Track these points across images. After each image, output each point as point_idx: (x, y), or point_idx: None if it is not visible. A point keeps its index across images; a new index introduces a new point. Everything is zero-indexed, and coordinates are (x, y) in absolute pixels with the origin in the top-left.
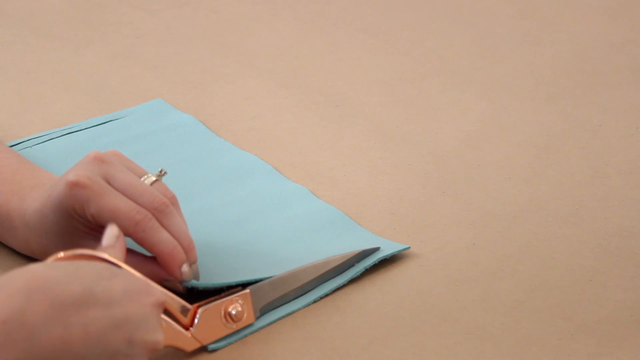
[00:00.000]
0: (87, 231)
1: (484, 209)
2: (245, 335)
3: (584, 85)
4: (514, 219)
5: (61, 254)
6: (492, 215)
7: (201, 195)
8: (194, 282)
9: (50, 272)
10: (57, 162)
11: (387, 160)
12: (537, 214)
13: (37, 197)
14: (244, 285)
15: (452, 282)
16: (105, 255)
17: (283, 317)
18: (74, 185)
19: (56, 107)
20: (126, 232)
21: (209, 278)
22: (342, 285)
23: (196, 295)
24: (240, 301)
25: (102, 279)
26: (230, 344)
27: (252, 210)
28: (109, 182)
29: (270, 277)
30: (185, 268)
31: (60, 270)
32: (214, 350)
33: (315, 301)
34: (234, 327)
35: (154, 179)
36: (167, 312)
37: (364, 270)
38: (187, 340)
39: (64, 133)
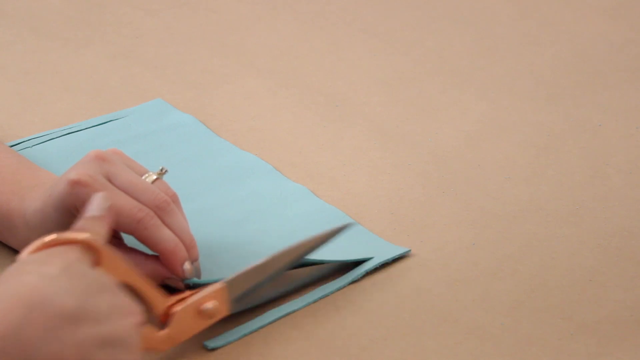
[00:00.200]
0: None
1: (484, 209)
2: (245, 335)
3: (584, 85)
4: (514, 219)
5: (46, 239)
6: (492, 215)
7: (201, 195)
8: (195, 280)
9: (44, 287)
10: (57, 162)
11: (387, 160)
12: (537, 214)
13: (38, 196)
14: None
15: (452, 282)
16: (92, 241)
17: (282, 316)
18: (76, 184)
19: (56, 107)
20: (128, 230)
21: (209, 277)
22: (342, 287)
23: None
24: (214, 296)
25: (90, 295)
26: (229, 343)
27: (252, 210)
28: (110, 181)
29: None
30: (187, 265)
31: (53, 284)
32: (213, 349)
33: (314, 301)
34: (209, 322)
35: (155, 177)
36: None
37: (364, 273)
38: (162, 340)
39: (64, 133)
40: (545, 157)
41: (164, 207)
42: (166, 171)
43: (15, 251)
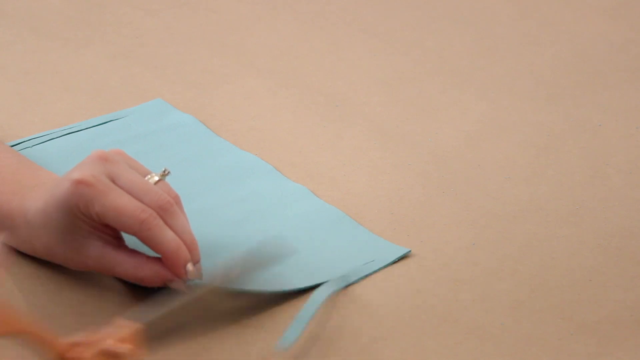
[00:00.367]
0: (91, 230)
1: (484, 209)
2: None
3: (584, 85)
4: (514, 219)
5: None
6: (492, 215)
7: (201, 195)
8: (198, 282)
9: None
10: (57, 162)
11: (387, 160)
12: (537, 214)
13: (39, 196)
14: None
15: (452, 282)
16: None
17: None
18: (79, 184)
19: (56, 107)
20: (131, 230)
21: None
22: (340, 288)
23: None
24: (125, 336)
25: None
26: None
27: (252, 210)
28: (113, 181)
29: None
30: (189, 267)
31: None
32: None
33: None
34: None
35: (157, 178)
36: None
37: (364, 277)
38: None
39: (65, 133)
40: (545, 157)
41: (167, 208)
42: (168, 172)
43: (16, 250)
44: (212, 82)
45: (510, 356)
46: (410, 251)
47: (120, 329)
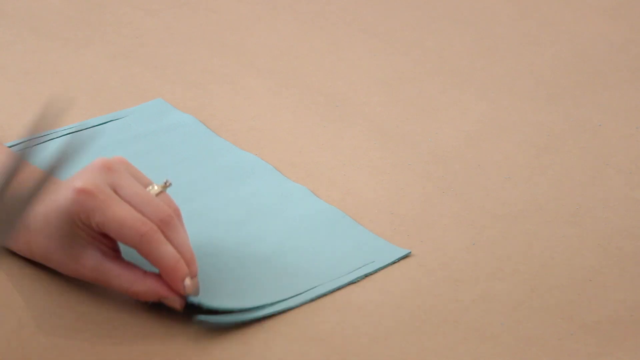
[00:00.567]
0: (89, 239)
1: (484, 209)
2: (237, 322)
3: (584, 85)
4: (514, 219)
5: None
6: (492, 215)
7: (202, 196)
8: (193, 299)
9: None
10: None
11: (387, 160)
12: (537, 214)
13: (39, 200)
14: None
15: (452, 282)
16: None
17: (279, 312)
18: (81, 193)
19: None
20: (131, 243)
21: (208, 286)
22: (339, 287)
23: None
24: None
25: None
26: (220, 324)
27: (253, 210)
28: (115, 191)
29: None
30: (187, 282)
31: None
32: (201, 322)
33: (312, 300)
34: None
35: (158, 190)
36: None
37: (364, 276)
38: None
39: (65, 133)
40: (545, 157)
41: (168, 222)
42: (170, 184)
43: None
44: (212, 82)
45: (510, 356)
46: (410, 252)
47: None
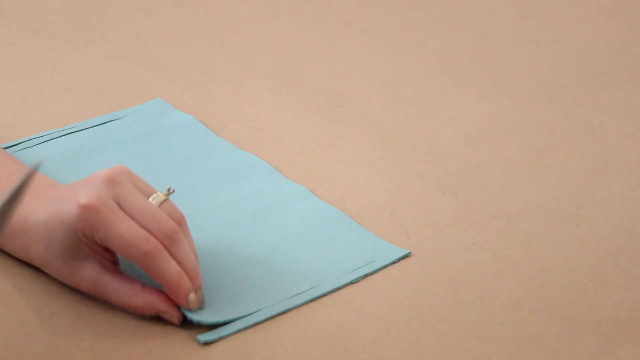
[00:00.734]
0: (90, 252)
1: (484, 209)
2: (239, 330)
3: (584, 85)
4: (514, 219)
5: None
6: (492, 215)
7: (202, 195)
8: (193, 317)
9: None
10: (57, 162)
11: (387, 160)
12: (537, 214)
13: (40, 206)
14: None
15: (452, 282)
16: None
17: (280, 313)
18: (86, 209)
19: (56, 107)
20: (134, 261)
21: (209, 289)
22: (339, 287)
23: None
24: None
25: None
26: (222, 337)
27: (253, 210)
28: (119, 205)
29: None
30: (192, 297)
31: None
32: (207, 343)
33: (312, 300)
34: None
35: (162, 198)
36: None
37: (364, 276)
38: None
39: (65, 133)
40: (545, 157)
41: (171, 237)
42: (173, 191)
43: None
44: (212, 82)
45: (510, 356)
46: (410, 252)
47: None
